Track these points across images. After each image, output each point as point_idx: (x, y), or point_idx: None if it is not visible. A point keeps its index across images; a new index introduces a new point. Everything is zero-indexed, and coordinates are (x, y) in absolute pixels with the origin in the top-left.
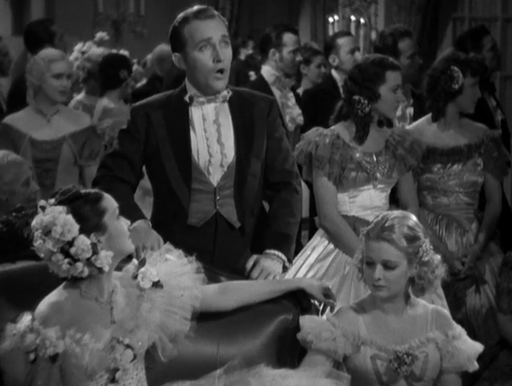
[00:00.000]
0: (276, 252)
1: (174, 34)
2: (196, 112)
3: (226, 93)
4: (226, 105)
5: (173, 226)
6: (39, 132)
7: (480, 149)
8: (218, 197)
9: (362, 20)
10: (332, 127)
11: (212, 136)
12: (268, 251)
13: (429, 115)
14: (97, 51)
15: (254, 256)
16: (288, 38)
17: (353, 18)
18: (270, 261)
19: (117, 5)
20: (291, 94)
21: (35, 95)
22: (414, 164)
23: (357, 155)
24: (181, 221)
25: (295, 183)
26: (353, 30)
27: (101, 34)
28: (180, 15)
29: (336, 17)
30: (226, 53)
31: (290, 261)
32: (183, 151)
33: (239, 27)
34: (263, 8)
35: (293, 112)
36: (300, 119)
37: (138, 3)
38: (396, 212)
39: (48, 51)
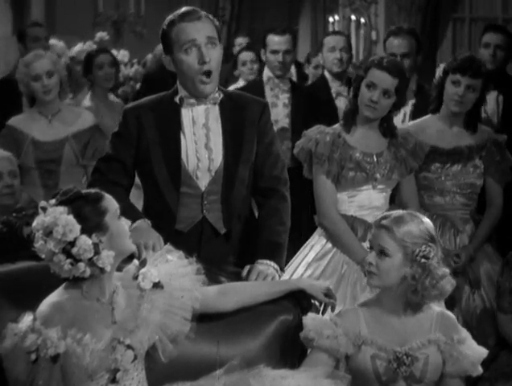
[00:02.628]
0: (268, 262)
1: (163, 37)
2: (186, 115)
3: (217, 96)
4: (217, 108)
5: (160, 230)
6: (41, 133)
7: (481, 151)
8: (205, 202)
9: (362, 20)
10: (335, 126)
11: (200, 140)
12: (260, 261)
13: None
14: (76, 49)
15: (248, 266)
16: (270, 39)
17: (353, 17)
18: (265, 266)
19: (117, 5)
20: (284, 95)
21: (31, 101)
22: (416, 167)
23: (357, 155)
24: (168, 225)
25: (283, 190)
26: (353, 30)
27: (101, 34)
28: (168, 18)
29: (336, 17)
30: (212, 54)
31: (282, 269)
32: (172, 154)
33: (239, 27)
34: (263, 8)
35: (278, 114)
36: (285, 122)
37: (138, 3)
38: (414, 211)
39: (26, 56)
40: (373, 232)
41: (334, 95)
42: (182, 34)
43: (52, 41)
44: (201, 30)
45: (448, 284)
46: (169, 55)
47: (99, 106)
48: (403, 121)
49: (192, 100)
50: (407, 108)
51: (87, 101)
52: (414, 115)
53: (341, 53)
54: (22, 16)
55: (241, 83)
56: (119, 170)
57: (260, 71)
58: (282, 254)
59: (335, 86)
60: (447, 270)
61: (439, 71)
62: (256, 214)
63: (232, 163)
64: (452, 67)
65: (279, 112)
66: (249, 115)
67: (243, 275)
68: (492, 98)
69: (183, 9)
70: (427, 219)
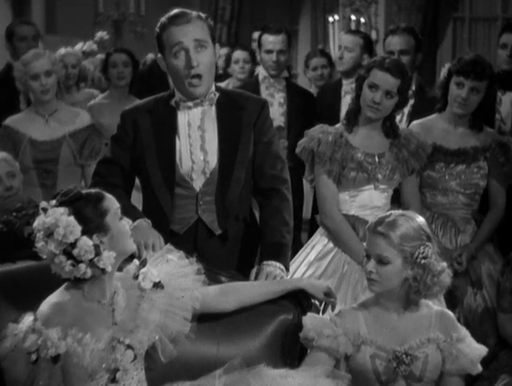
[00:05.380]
0: (274, 263)
1: (157, 39)
2: (181, 118)
3: (213, 96)
4: (213, 108)
5: (157, 230)
6: (39, 132)
7: (486, 153)
8: (200, 202)
9: (362, 20)
10: (337, 126)
11: (195, 142)
12: (266, 262)
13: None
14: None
15: (254, 269)
16: (264, 39)
17: (353, 17)
18: (272, 267)
19: (117, 5)
20: (279, 95)
21: (27, 99)
22: (417, 167)
23: (359, 155)
24: (164, 227)
25: (283, 189)
26: None
27: (101, 34)
28: (161, 19)
29: (336, 16)
30: (201, 58)
31: (287, 269)
32: (167, 158)
33: (239, 27)
34: (263, 8)
35: (274, 113)
36: (281, 120)
37: (139, 3)
38: (405, 211)
39: (25, 54)
40: (368, 238)
41: (343, 93)
42: (170, 38)
43: (66, 49)
44: (189, 34)
45: (447, 276)
46: (162, 56)
47: (114, 104)
48: (400, 121)
49: (189, 104)
50: (405, 109)
51: (99, 99)
52: (412, 116)
53: (343, 52)
54: (22, 16)
55: (227, 80)
56: (118, 173)
57: (251, 72)
58: (287, 254)
59: (345, 84)
60: (444, 264)
61: (443, 72)
62: (257, 215)
63: (227, 164)
64: (455, 70)
65: (275, 111)
66: (246, 115)
67: (251, 278)
68: (508, 99)
69: (174, 11)
70: (419, 218)
